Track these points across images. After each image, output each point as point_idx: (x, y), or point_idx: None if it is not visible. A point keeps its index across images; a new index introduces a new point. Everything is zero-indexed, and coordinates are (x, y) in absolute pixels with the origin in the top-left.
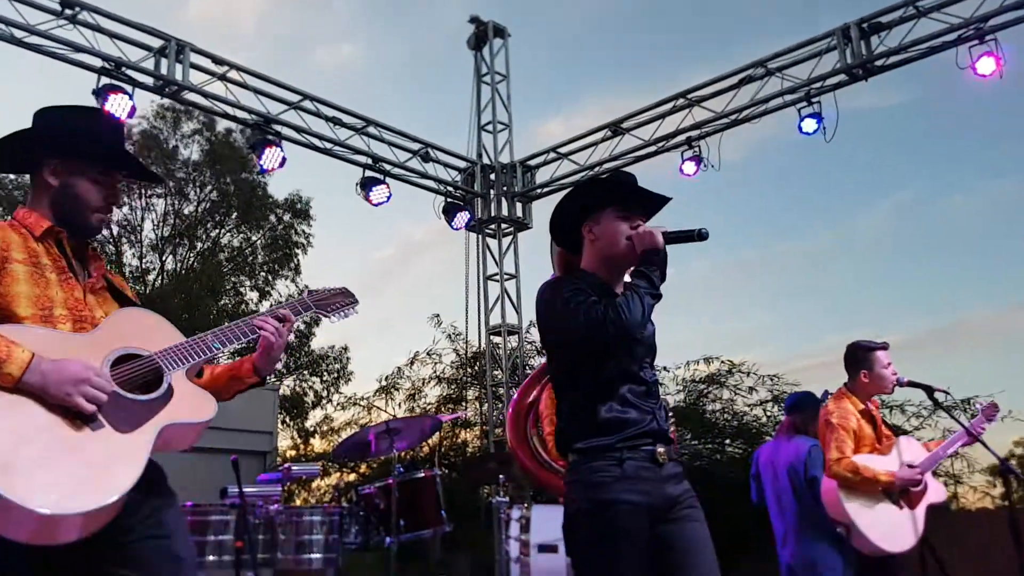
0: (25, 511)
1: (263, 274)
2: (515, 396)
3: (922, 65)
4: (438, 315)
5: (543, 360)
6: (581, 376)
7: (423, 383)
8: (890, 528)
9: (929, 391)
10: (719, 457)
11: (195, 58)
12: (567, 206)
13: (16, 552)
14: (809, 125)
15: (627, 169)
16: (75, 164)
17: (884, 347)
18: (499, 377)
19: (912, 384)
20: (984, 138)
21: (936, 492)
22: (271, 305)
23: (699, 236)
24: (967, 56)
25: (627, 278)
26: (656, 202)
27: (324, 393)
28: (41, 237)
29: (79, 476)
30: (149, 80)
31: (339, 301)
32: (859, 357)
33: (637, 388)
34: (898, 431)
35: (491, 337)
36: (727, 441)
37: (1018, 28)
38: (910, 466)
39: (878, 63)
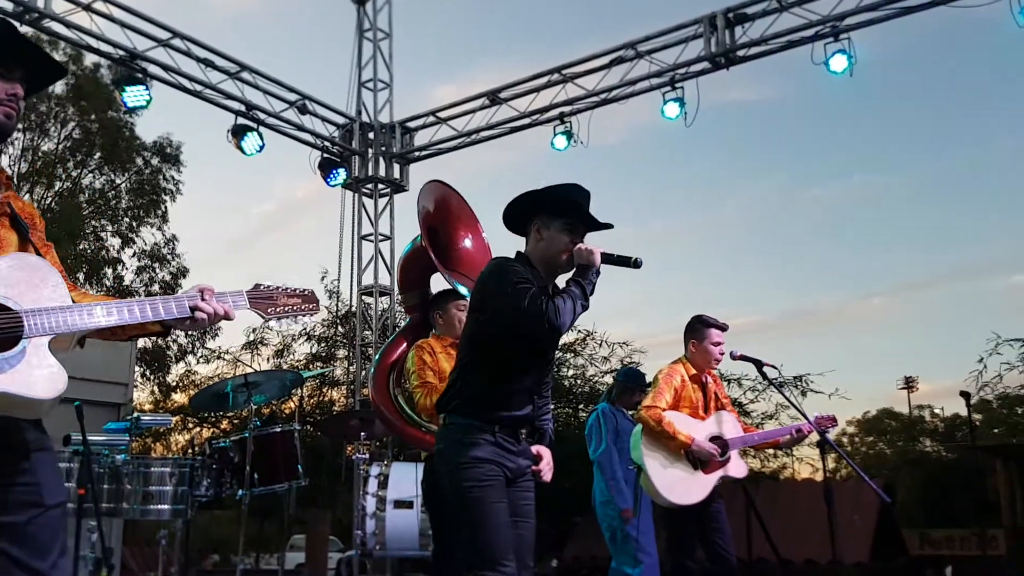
0: None
1: (127, 220)
2: (379, 355)
3: (784, 61)
4: (327, 271)
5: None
6: (492, 352)
7: (292, 340)
8: (675, 482)
9: (758, 365)
10: (572, 423)
11: None
12: (533, 199)
13: None
14: (672, 110)
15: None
16: None
17: (720, 327)
18: (369, 337)
19: (744, 358)
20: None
21: (736, 468)
22: (134, 253)
23: (634, 264)
24: (822, 53)
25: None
26: (600, 226)
27: (189, 347)
28: None
29: None
30: (9, 5)
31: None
32: (694, 328)
33: (529, 380)
34: (734, 403)
35: (363, 297)
36: (580, 407)
37: (871, 28)
38: (715, 438)
39: (740, 53)
